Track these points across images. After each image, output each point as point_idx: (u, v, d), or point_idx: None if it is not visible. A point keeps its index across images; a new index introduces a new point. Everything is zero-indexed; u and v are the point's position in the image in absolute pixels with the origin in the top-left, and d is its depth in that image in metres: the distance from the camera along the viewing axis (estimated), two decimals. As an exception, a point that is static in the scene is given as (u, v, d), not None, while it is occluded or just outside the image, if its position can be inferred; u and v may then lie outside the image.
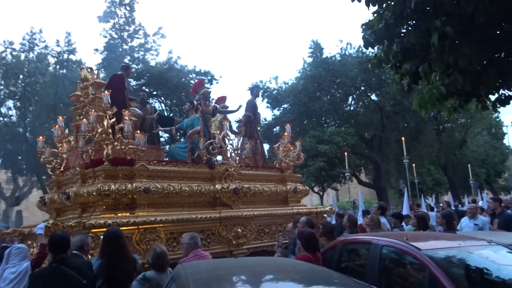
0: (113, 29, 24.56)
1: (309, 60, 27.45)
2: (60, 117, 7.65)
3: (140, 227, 5.75)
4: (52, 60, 25.17)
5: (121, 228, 5.02)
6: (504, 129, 39.54)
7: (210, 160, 7.29)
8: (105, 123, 6.18)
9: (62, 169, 6.99)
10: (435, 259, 3.63)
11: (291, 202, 8.39)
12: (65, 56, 25.04)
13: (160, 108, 26.81)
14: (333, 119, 27.82)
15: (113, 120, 6.26)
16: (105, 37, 24.53)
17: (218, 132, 7.67)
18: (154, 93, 25.99)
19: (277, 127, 26.94)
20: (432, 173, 35.16)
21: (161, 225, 5.95)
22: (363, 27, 5.13)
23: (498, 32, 4.51)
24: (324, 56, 26.69)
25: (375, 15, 4.91)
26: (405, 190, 15.20)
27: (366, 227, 6.71)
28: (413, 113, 24.33)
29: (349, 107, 28.82)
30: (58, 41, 25.19)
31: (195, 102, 8.59)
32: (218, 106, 9.59)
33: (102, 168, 5.97)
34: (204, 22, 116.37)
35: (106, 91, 6.35)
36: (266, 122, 28.61)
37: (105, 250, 4.06)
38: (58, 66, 24.98)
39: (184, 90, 25.14)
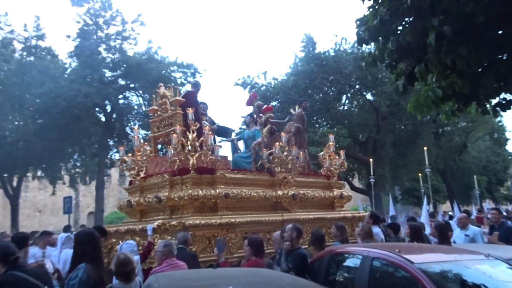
0: (88, 14, 24.18)
1: (301, 55, 27.51)
2: (136, 128, 9.09)
3: (223, 227, 7.19)
4: (18, 46, 24.77)
5: (210, 228, 6.96)
6: (507, 134, 40.20)
7: (270, 168, 8.82)
8: (190, 136, 7.56)
9: (143, 176, 8.40)
10: (429, 274, 3.68)
11: (336, 207, 9.94)
12: (33, 42, 24.67)
13: (138, 102, 26.65)
14: (325, 119, 28.00)
15: (195, 134, 7.67)
16: (78, 22, 24.11)
17: (277, 142, 9.08)
18: (132, 85, 25.80)
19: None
20: (429, 180, 35.66)
21: (238, 225, 7.40)
22: (357, 22, 5.19)
23: (498, 32, 4.60)
24: (317, 51, 26.75)
25: (370, 10, 4.97)
26: (424, 197, 15.81)
27: (357, 236, 6.79)
28: (410, 115, 24.61)
29: (342, 107, 29.03)
30: (25, 25, 24.81)
31: (255, 115, 10.27)
32: (266, 117, 11.05)
33: (190, 176, 7.42)
34: (188, 11, 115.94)
35: (190, 109, 7.74)
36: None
37: (90, 253, 3.99)
38: (25, 53, 24.60)
39: (164, 84, 24.95)
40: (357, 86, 27.04)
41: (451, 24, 4.16)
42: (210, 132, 7.79)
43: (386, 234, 7.89)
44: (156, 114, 9.17)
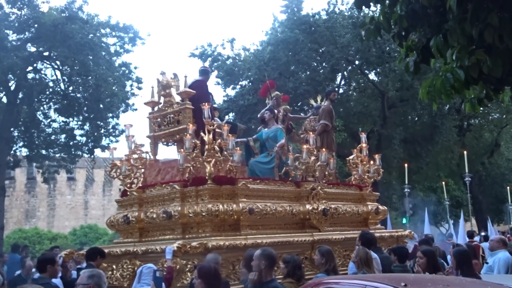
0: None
1: (282, 17, 27.54)
2: (128, 125, 9.68)
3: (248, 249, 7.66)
4: None
5: (234, 251, 7.70)
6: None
7: (295, 177, 9.69)
8: (206, 138, 8.31)
9: (140, 186, 9.13)
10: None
11: (370, 225, 10.94)
12: None
13: (55, 77, 26.14)
14: (313, 106, 28.24)
15: (211, 135, 8.41)
16: (-31, -37, 23.51)
17: (305, 145, 9.93)
18: (45, 53, 25.26)
19: (231, 114, 26.99)
20: (450, 189, 36.32)
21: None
22: (356, -24, 5.25)
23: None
24: (303, 12, 26.81)
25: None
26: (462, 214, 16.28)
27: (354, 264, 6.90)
28: (427, 103, 25.08)
29: (336, 89, 29.29)
30: None
31: (276, 111, 11.07)
32: (283, 110, 11.97)
33: (208, 187, 8.18)
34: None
35: (206, 104, 8.54)
36: (215, 106, 28.50)
37: None
38: None
39: (92, 52, 24.61)
40: (357, 62, 27.31)
41: (479, -19, 4.26)
42: (230, 134, 8.62)
43: (390, 261, 8.04)
44: (156, 108, 9.89)
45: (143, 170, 9.40)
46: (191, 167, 8.42)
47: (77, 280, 5.31)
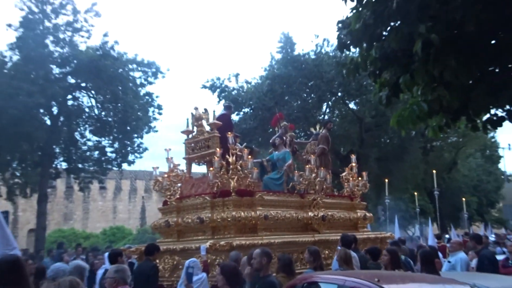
0: (33, 1, 23.74)
1: (278, 56, 27.74)
2: (167, 148, 10.21)
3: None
4: None
5: (253, 249, 7.36)
6: (500, 152, 40.97)
7: (300, 190, 10.39)
8: (231, 160, 9.00)
9: (178, 197, 9.83)
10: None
11: (360, 228, 11.68)
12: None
13: (90, 104, 26.27)
14: (303, 129, 28.26)
15: (234, 157, 9.07)
16: (22, 10, 23.57)
17: (308, 165, 10.64)
18: (83, 84, 25.41)
19: (236, 136, 27.04)
20: (416, 200, 36.30)
21: (276, 246, 8.60)
22: (339, 25, 5.29)
23: (491, 42, 4.78)
24: (295, 52, 27.04)
25: (353, 12, 5.08)
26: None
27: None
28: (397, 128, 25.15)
29: (323, 116, 29.38)
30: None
31: (284, 137, 11.82)
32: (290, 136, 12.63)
33: (232, 199, 8.90)
34: (151, 1, 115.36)
35: (230, 133, 9.35)
36: (236, 134, 28.66)
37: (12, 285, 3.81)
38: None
39: (121, 84, 24.74)
40: (340, 94, 27.41)
41: (439, 32, 4.28)
42: (250, 156, 9.30)
43: (365, 259, 8.03)
44: (191, 136, 10.64)
45: (180, 184, 10.03)
46: (219, 183, 9.00)
47: (106, 274, 5.36)
